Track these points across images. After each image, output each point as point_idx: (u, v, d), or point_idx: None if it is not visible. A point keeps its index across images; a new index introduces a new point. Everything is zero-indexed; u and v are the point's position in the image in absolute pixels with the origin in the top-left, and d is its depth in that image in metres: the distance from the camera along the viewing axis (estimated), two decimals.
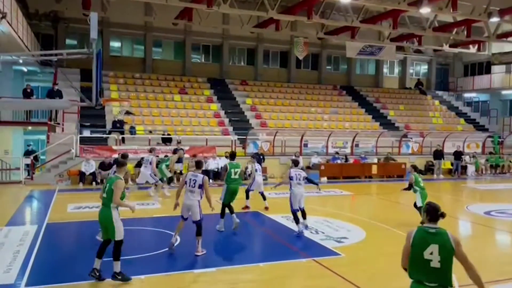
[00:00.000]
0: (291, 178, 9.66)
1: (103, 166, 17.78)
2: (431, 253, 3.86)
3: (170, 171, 15.50)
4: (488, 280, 6.87)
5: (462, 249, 3.84)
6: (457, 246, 3.82)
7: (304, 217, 9.87)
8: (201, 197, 7.97)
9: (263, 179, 19.64)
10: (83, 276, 6.77)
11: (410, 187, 10.66)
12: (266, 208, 12.31)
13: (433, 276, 3.87)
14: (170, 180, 16.20)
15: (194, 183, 7.91)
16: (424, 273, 3.91)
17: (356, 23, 23.61)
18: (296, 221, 9.57)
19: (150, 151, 14.82)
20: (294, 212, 9.58)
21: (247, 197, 12.58)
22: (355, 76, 33.31)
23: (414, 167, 11.25)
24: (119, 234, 6.55)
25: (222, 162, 19.28)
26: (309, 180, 9.86)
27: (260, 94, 28.29)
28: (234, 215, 9.97)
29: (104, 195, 6.69)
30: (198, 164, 8.31)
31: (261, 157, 19.15)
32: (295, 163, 10.60)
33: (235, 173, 10.20)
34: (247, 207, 12.38)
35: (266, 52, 30.91)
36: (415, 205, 10.73)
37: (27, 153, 19.66)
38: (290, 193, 9.71)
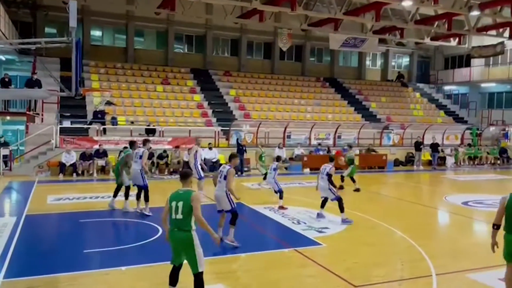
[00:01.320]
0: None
1: (84, 157, 17.57)
2: None
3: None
4: (465, 268, 7.09)
5: None
6: None
7: (340, 210, 10.10)
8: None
9: (246, 170, 19.88)
10: (62, 268, 6.71)
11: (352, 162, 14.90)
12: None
13: None
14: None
15: (222, 175, 8.09)
16: None
17: (340, 15, 23.65)
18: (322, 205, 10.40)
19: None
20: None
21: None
22: (338, 68, 33.47)
23: (350, 146, 16.61)
24: (202, 263, 5.24)
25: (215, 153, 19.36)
26: (329, 179, 10.20)
27: (243, 85, 28.20)
28: None
29: (179, 216, 5.17)
30: (230, 158, 8.52)
31: (243, 148, 19.13)
32: (277, 159, 11.48)
33: None
34: None
35: (250, 43, 30.78)
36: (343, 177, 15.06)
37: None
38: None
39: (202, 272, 5.22)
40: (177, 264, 5.44)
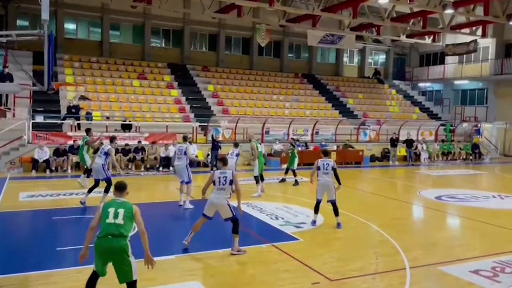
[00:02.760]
0: (318, 168, 9.44)
1: (58, 153, 17.18)
2: None
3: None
4: (438, 261, 7.26)
5: None
6: None
7: (335, 213, 9.34)
8: (230, 195, 7.53)
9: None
10: (34, 266, 6.56)
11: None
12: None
13: None
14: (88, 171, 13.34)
15: (225, 180, 7.41)
16: None
17: (317, 12, 23.79)
18: (315, 210, 9.46)
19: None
20: (317, 202, 9.44)
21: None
22: (316, 64, 33.68)
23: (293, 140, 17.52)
24: (136, 271, 5.09)
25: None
26: (335, 173, 9.36)
27: (222, 81, 28.08)
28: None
29: (119, 221, 4.92)
30: (224, 161, 7.89)
31: (218, 144, 18.93)
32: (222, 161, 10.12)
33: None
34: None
35: (228, 38, 30.64)
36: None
37: None
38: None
39: (136, 281, 5.05)
40: (102, 275, 5.11)
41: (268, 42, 27.78)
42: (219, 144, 19.01)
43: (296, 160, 15.90)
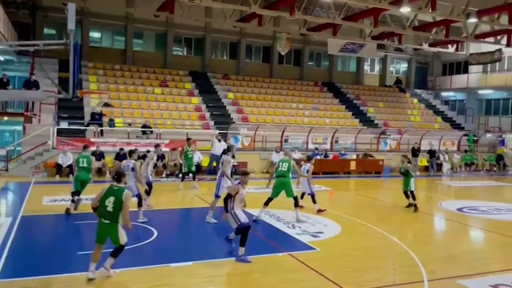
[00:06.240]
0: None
1: None
2: None
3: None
4: (457, 274, 7.14)
5: None
6: None
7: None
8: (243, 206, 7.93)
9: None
10: (56, 269, 6.73)
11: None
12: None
13: None
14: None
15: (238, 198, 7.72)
16: None
17: (338, 20, 23.77)
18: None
19: (156, 146, 14.40)
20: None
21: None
22: (336, 73, 33.58)
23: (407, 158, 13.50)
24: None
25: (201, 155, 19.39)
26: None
27: (242, 89, 28.27)
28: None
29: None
30: (243, 175, 8.14)
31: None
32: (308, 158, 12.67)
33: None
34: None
35: (248, 46, 30.87)
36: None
37: None
38: None
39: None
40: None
41: (288, 50, 27.86)
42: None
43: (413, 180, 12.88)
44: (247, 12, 23.49)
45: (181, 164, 16.96)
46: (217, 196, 10.17)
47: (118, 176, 6.68)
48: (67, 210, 10.78)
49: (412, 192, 12.61)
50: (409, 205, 12.69)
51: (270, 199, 10.65)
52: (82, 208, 11.54)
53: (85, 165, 10.97)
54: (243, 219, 7.59)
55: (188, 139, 16.64)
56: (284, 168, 10.70)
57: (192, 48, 29.88)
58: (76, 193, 10.94)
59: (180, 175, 16.62)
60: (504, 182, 21.55)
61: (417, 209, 12.38)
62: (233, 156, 11.68)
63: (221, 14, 24.34)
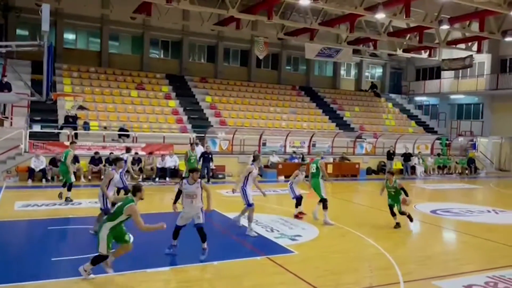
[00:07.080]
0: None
1: (54, 162, 17.16)
2: None
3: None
4: (432, 275, 7.29)
5: None
6: None
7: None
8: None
9: (221, 177, 19.83)
10: (29, 276, 6.55)
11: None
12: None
13: None
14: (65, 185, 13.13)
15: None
16: None
17: (315, 25, 24.05)
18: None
19: (126, 150, 14.88)
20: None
21: None
22: (313, 77, 33.92)
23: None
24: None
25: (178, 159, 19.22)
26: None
27: (220, 92, 28.21)
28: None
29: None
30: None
31: (210, 156, 18.79)
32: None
33: None
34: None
35: (226, 50, 30.86)
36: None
37: None
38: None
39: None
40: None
41: (266, 54, 27.99)
42: (210, 155, 18.78)
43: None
44: (225, 16, 23.50)
45: (167, 168, 18.38)
46: (249, 205, 9.63)
47: (134, 190, 6.90)
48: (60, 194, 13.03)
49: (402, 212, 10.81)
50: (397, 224, 10.86)
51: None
52: (54, 214, 11.30)
53: (62, 159, 12.97)
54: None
55: (191, 144, 16.95)
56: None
57: (169, 51, 29.67)
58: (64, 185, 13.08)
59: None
60: (475, 185, 22.16)
61: (399, 226, 10.81)
62: (260, 168, 12.02)
63: (199, 17, 24.27)
